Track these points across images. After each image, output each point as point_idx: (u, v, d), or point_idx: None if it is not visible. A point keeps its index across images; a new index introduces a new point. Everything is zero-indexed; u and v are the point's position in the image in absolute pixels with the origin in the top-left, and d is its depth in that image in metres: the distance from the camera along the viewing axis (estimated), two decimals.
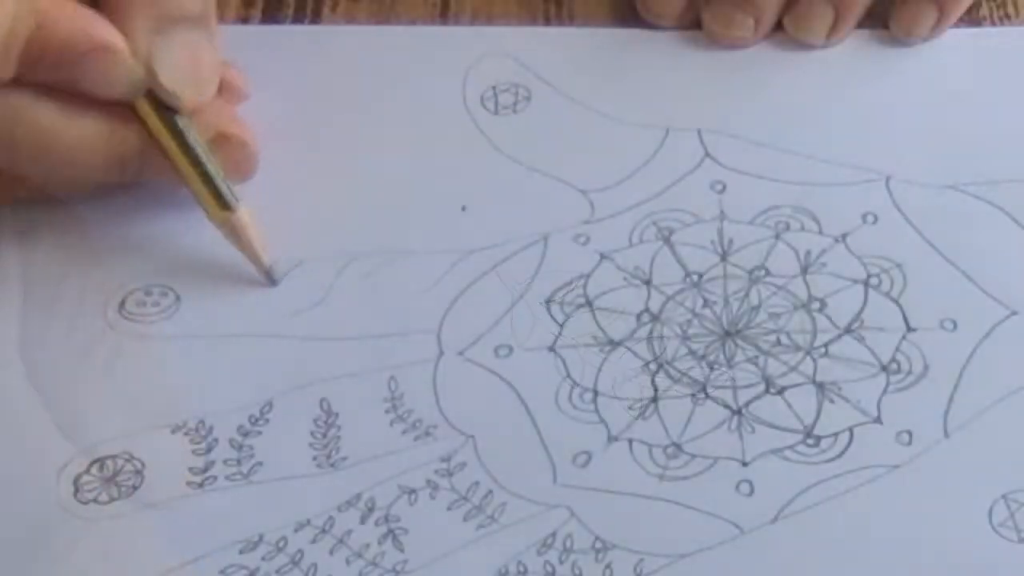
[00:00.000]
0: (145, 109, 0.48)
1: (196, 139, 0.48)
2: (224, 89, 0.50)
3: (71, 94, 0.47)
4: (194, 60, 0.48)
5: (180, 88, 0.48)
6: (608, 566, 0.43)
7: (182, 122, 0.48)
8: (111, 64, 0.46)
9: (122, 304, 0.49)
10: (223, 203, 0.48)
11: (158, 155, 0.48)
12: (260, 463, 0.45)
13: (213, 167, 0.48)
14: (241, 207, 0.48)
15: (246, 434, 0.46)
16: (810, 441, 0.45)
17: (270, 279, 0.49)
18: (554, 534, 0.43)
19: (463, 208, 0.51)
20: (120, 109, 0.48)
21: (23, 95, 0.46)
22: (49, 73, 0.46)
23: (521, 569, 0.43)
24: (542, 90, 0.55)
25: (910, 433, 0.45)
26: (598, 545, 0.43)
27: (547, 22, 0.57)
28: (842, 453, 0.45)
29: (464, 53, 0.56)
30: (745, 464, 0.44)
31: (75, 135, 0.47)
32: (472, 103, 0.55)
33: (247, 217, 0.49)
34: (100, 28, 0.46)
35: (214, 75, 0.49)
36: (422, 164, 0.52)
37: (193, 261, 0.50)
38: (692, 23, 0.56)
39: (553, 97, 0.55)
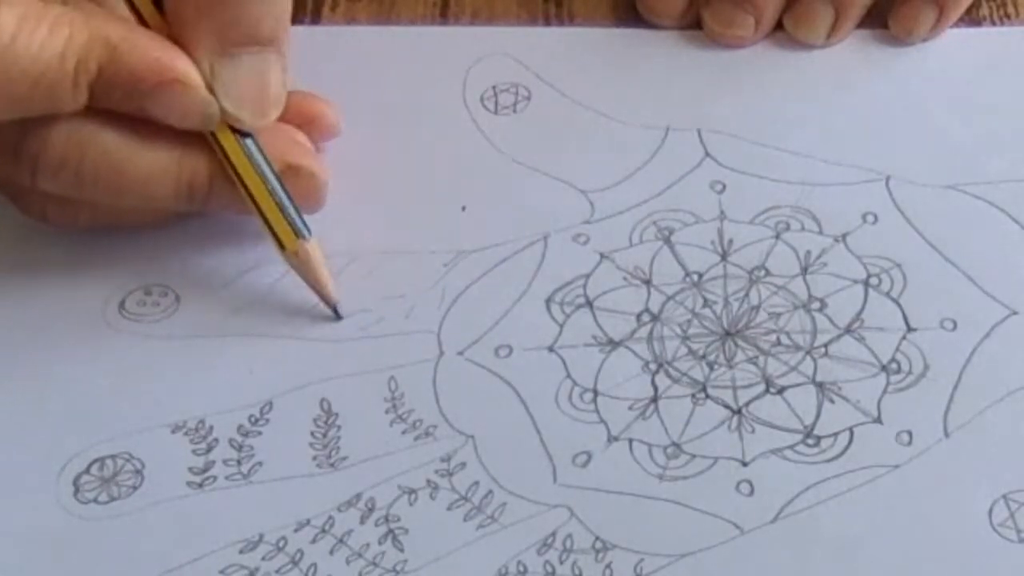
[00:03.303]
0: (220, 135, 0.47)
1: (269, 167, 0.47)
2: (316, 124, 0.50)
3: (141, 121, 0.46)
4: (259, 84, 0.47)
5: (242, 113, 0.47)
6: (608, 566, 0.43)
7: (255, 149, 0.47)
8: (184, 97, 0.46)
9: (122, 304, 0.49)
10: (294, 233, 0.47)
11: (227, 183, 0.47)
12: (260, 463, 0.45)
13: (285, 196, 0.47)
14: (312, 239, 0.48)
15: (246, 434, 0.46)
16: (810, 441, 0.45)
17: (337, 313, 0.48)
18: (554, 534, 0.43)
19: (463, 208, 0.51)
20: (191, 136, 0.47)
21: (93, 122, 0.46)
22: (120, 103, 0.45)
23: (521, 569, 0.43)
24: (542, 90, 0.55)
25: (910, 433, 0.45)
26: (598, 545, 0.43)
27: (547, 22, 0.57)
28: (842, 453, 0.45)
29: (464, 53, 0.56)
30: (745, 464, 0.44)
31: (145, 163, 0.46)
32: (472, 103, 0.55)
33: (318, 249, 0.48)
34: (173, 59, 0.46)
35: (280, 100, 0.48)
36: (422, 164, 0.52)
37: (193, 261, 0.50)
38: (692, 23, 0.56)
39: (553, 97, 0.55)
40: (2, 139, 0.46)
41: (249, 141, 0.47)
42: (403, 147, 0.52)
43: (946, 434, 0.45)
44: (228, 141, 0.47)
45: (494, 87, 0.55)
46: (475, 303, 0.49)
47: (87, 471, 0.45)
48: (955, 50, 0.55)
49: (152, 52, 0.45)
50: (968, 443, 0.45)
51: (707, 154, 0.52)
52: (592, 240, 0.50)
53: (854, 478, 0.44)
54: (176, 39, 0.46)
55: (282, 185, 0.47)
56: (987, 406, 0.45)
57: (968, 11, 0.56)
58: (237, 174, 0.47)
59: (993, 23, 0.56)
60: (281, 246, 0.48)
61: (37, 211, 0.49)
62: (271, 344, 0.48)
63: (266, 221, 0.47)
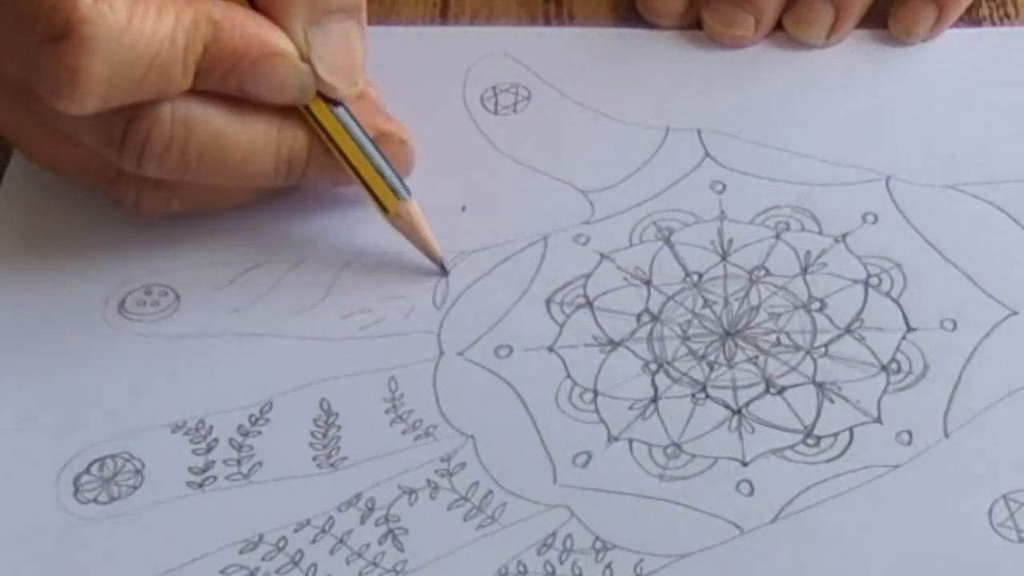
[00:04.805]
0: (315, 107, 0.48)
1: (364, 134, 0.48)
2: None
3: (238, 100, 0.47)
4: (349, 52, 0.48)
5: (337, 80, 0.47)
6: (608, 566, 0.43)
7: (348, 118, 0.48)
8: (282, 69, 0.46)
9: (122, 304, 0.49)
10: (396, 195, 0.48)
11: (323, 155, 0.48)
12: (260, 463, 0.45)
13: (383, 160, 0.48)
14: (412, 200, 0.49)
15: (246, 434, 0.46)
16: (810, 441, 0.45)
17: (443, 269, 0.49)
18: (554, 534, 0.43)
19: (463, 208, 0.51)
20: (286, 111, 0.48)
21: (197, 103, 0.46)
22: (222, 81, 0.46)
23: (521, 569, 0.43)
24: (542, 90, 0.55)
25: (910, 433, 0.45)
26: (598, 545, 0.43)
27: (547, 22, 0.57)
28: (842, 453, 0.45)
29: (464, 53, 0.56)
30: (745, 464, 0.44)
31: (247, 140, 0.47)
32: (472, 103, 0.55)
33: (418, 209, 0.49)
34: (270, 32, 0.46)
35: (364, 67, 0.49)
36: (422, 164, 0.52)
37: (193, 261, 0.50)
38: (692, 23, 0.56)
39: (553, 97, 0.55)
40: (107, 129, 0.46)
41: (341, 110, 0.48)
42: None
43: (946, 434, 0.45)
44: (322, 111, 0.48)
45: (494, 87, 0.55)
46: (475, 303, 0.49)
47: (87, 471, 0.45)
48: (955, 50, 0.55)
49: (251, 28, 0.46)
50: (968, 443, 0.45)
51: (707, 154, 0.52)
52: (592, 240, 0.50)
53: (854, 478, 0.44)
54: (263, 11, 0.47)
55: (378, 150, 0.48)
56: (987, 406, 0.45)
57: (968, 11, 0.56)
58: (334, 143, 0.48)
59: (993, 23, 0.56)
60: (384, 209, 0.48)
61: (131, 199, 0.49)
62: (271, 344, 0.48)
63: (367, 186, 0.48)
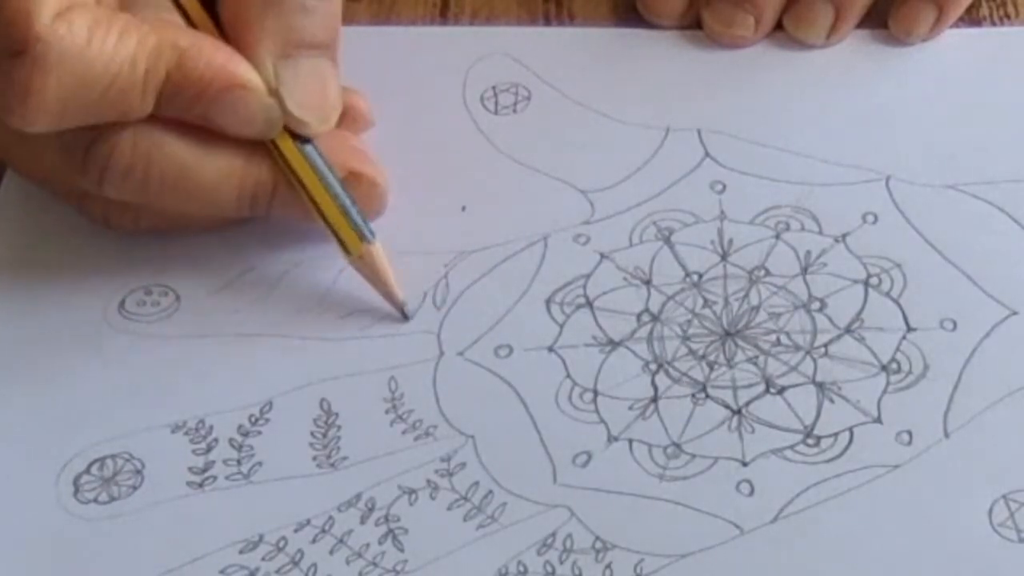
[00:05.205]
0: (281, 143, 0.47)
1: (331, 173, 0.47)
2: (350, 117, 0.50)
3: (205, 129, 0.46)
4: (320, 88, 0.47)
5: (307, 116, 0.47)
6: (608, 566, 0.43)
7: (316, 156, 0.47)
8: (248, 101, 0.46)
9: (122, 304, 0.49)
10: (359, 236, 0.48)
11: (289, 190, 0.48)
12: (260, 463, 0.45)
13: (348, 201, 0.47)
14: (376, 242, 0.48)
15: (246, 434, 0.46)
16: (810, 441, 0.45)
17: (404, 315, 0.48)
18: (554, 534, 0.43)
19: (463, 208, 0.51)
20: (253, 143, 0.47)
21: (160, 130, 0.46)
22: (186, 109, 0.46)
23: (521, 569, 0.43)
24: (542, 90, 0.55)
25: (910, 433, 0.45)
26: (598, 545, 0.43)
27: (547, 22, 0.57)
28: (842, 453, 0.45)
29: (464, 53, 0.56)
30: (745, 464, 0.44)
31: (210, 171, 0.47)
32: (472, 103, 0.55)
33: (382, 252, 0.48)
34: (237, 64, 0.46)
35: (339, 104, 0.48)
36: (422, 164, 0.52)
37: (193, 261, 0.50)
38: (692, 23, 0.56)
39: (553, 97, 0.55)
40: (70, 147, 0.46)
41: (310, 147, 0.47)
42: (403, 147, 0.52)
43: (946, 434, 0.45)
44: (289, 148, 0.47)
45: (494, 87, 0.55)
46: (475, 303, 0.49)
47: (87, 471, 0.45)
48: (955, 50, 0.55)
49: (217, 58, 0.46)
50: (968, 443, 0.45)
51: (707, 154, 0.52)
52: (592, 240, 0.50)
53: (854, 478, 0.44)
54: (233, 42, 0.47)
55: (344, 190, 0.48)
56: (987, 406, 0.45)
57: (968, 11, 0.56)
58: (299, 181, 0.47)
59: (993, 23, 0.56)
60: (346, 250, 0.48)
61: (99, 216, 0.49)
62: (271, 344, 0.48)
63: (330, 226, 0.48)
